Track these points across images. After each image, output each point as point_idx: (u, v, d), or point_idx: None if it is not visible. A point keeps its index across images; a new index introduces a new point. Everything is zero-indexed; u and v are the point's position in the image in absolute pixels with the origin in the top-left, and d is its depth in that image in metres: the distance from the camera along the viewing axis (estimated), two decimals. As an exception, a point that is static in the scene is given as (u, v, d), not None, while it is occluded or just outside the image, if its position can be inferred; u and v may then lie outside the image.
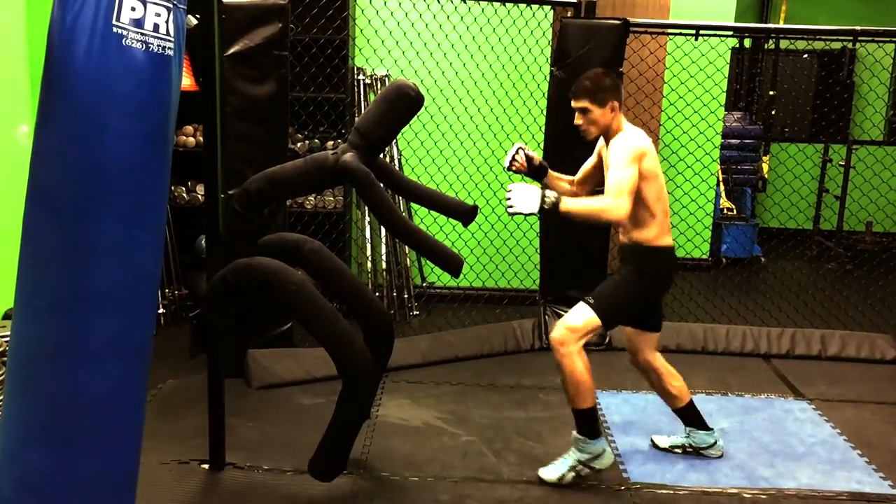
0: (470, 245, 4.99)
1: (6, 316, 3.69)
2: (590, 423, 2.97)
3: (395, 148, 5.05)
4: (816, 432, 3.60)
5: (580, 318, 2.92)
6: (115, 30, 1.75)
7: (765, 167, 7.55)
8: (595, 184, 3.23)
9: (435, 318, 5.00)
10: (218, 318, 2.87)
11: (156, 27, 1.80)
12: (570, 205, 2.80)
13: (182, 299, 4.82)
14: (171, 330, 4.63)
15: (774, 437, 3.53)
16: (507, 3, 4.57)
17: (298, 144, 4.87)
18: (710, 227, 6.51)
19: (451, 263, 2.73)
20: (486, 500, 2.93)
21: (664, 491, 3.03)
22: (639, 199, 2.88)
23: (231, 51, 3.72)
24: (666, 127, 5.97)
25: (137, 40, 1.78)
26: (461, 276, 2.86)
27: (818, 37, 5.73)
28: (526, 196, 2.77)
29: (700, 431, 3.28)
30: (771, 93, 7.89)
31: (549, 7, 4.85)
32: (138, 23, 1.77)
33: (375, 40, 4.88)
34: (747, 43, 8.00)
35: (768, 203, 7.75)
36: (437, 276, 5.34)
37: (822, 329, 4.74)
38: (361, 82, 5.03)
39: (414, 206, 4.93)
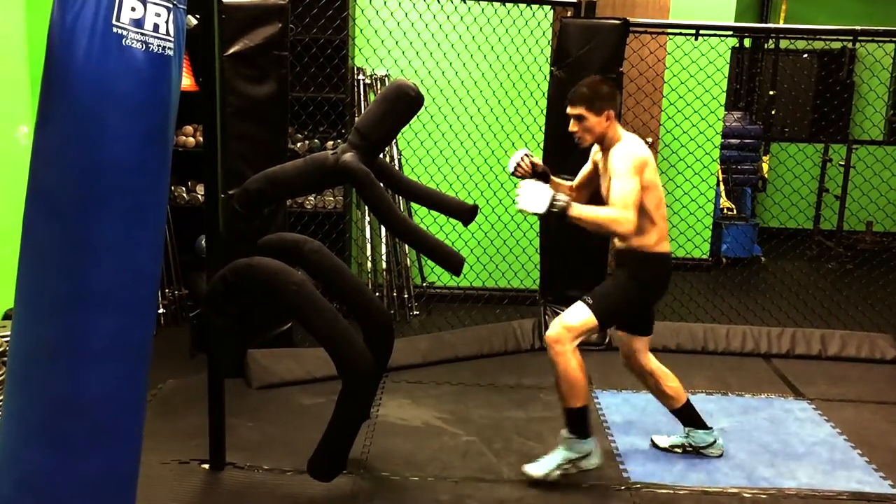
0: (470, 245, 4.99)
1: (6, 316, 3.69)
2: (581, 423, 2.97)
3: (395, 148, 5.05)
4: (816, 432, 3.60)
5: (577, 317, 2.93)
6: (115, 30, 1.75)
7: (765, 167, 7.55)
8: (592, 189, 3.24)
9: (435, 317, 5.00)
10: (218, 318, 2.87)
11: (156, 27, 1.80)
12: (579, 211, 2.81)
13: (182, 299, 4.82)
14: (172, 330, 4.63)
15: (774, 437, 3.53)
16: (507, 3, 4.57)
17: (298, 144, 4.87)
18: (711, 227, 6.52)
19: (452, 262, 2.73)
20: (487, 499, 2.93)
21: (664, 490, 3.03)
22: (640, 208, 2.88)
23: (231, 51, 3.72)
24: (666, 127, 5.97)
25: (137, 40, 1.78)
26: (461, 275, 2.86)
27: (818, 37, 5.74)
28: (536, 195, 2.79)
29: (699, 431, 3.28)
30: (771, 93, 7.89)
31: (549, 7, 4.86)
32: (138, 23, 1.77)
33: (375, 40, 4.88)
34: (747, 43, 8.00)
35: (768, 203, 7.75)
36: (438, 276, 5.34)
37: (823, 329, 4.74)
38: (361, 82, 5.03)
39: (414, 205, 4.93)
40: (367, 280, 5.01)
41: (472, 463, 3.19)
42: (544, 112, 4.61)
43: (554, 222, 4.17)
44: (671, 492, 3.02)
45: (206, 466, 3.06)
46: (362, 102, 5.00)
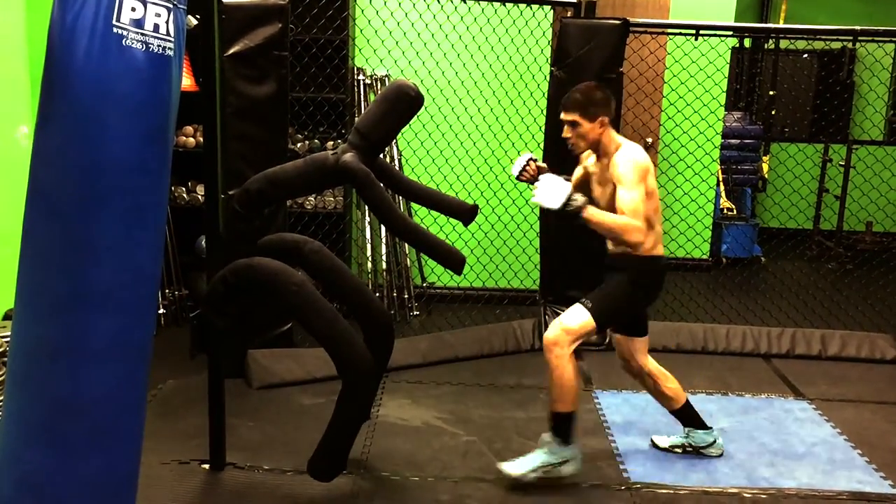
0: (470, 245, 4.99)
1: (7, 316, 3.69)
2: (566, 428, 2.96)
3: (395, 148, 5.05)
4: (817, 432, 3.60)
5: (576, 320, 2.93)
6: (115, 30, 1.75)
7: (765, 167, 7.55)
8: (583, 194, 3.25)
9: (435, 318, 5.00)
10: (218, 318, 2.87)
11: (156, 27, 1.80)
12: (593, 214, 2.80)
13: (182, 300, 4.82)
14: (172, 330, 4.63)
15: (775, 437, 3.53)
16: (507, 3, 4.57)
17: (298, 145, 4.87)
18: (711, 227, 6.51)
19: (453, 260, 2.73)
20: (487, 499, 2.93)
21: (664, 490, 3.03)
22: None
23: (231, 51, 3.72)
24: (666, 127, 5.97)
25: (137, 40, 1.78)
26: (461, 275, 2.86)
27: (818, 37, 5.74)
28: (555, 190, 2.76)
29: (699, 431, 3.29)
30: (771, 93, 7.89)
31: (549, 7, 4.85)
32: (138, 23, 1.77)
33: (375, 40, 4.88)
34: (747, 43, 8.00)
35: (768, 203, 7.75)
36: (438, 277, 5.35)
37: (823, 329, 4.74)
38: (361, 82, 5.03)
39: (414, 205, 4.93)
40: (368, 280, 5.01)
41: (472, 463, 3.19)
42: (544, 112, 4.60)
43: (554, 221, 4.18)
44: (671, 492, 3.02)
45: (207, 467, 3.06)
46: (362, 103, 5.01)
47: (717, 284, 6.00)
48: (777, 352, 4.59)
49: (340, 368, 2.66)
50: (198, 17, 2.97)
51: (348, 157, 2.64)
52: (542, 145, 4.58)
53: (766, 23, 7.98)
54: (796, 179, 5.94)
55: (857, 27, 4.53)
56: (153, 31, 1.80)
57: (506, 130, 5.01)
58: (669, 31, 5.09)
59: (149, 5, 1.78)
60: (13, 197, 2.70)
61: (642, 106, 5.51)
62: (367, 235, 5.11)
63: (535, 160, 3.12)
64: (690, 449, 3.30)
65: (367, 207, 4.90)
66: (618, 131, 4.45)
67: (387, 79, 5.05)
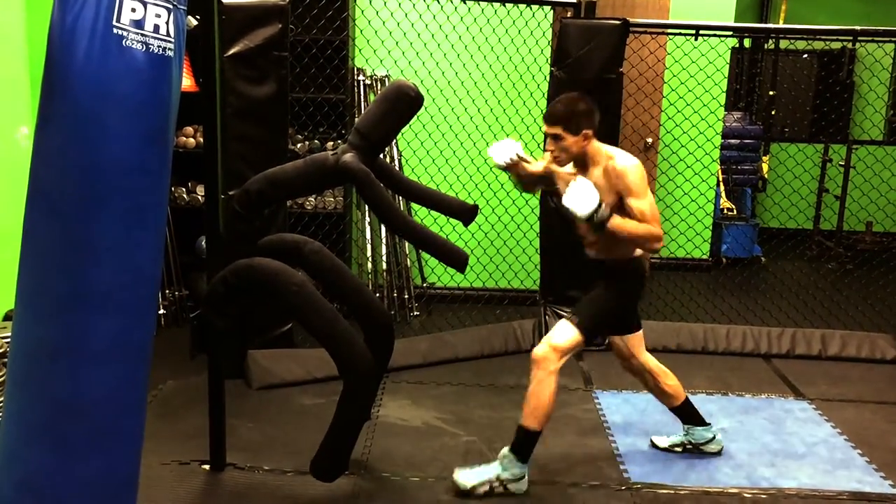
0: (470, 245, 4.99)
1: (7, 317, 3.69)
2: (527, 446, 2.93)
3: (395, 148, 5.06)
4: (817, 432, 3.60)
5: (564, 337, 2.91)
6: (115, 31, 1.75)
7: (765, 167, 7.55)
8: (541, 185, 3.28)
9: (435, 318, 5.00)
10: (218, 318, 2.87)
11: (156, 28, 1.80)
12: (619, 223, 2.77)
13: (182, 300, 4.82)
14: (172, 331, 4.63)
15: (775, 437, 3.53)
16: (507, 3, 4.57)
17: (298, 145, 4.87)
18: (711, 227, 6.51)
19: (456, 259, 2.73)
20: (487, 499, 2.93)
21: (665, 491, 3.03)
22: (629, 217, 2.87)
23: (231, 51, 3.72)
24: (666, 127, 5.97)
25: (138, 41, 1.78)
26: (464, 274, 2.86)
27: (818, 37, 5.74)
28: (586, 198, 2.71)
29: (698, 428, 3.28)
30: (771, 93, 7.89)
31: (549, 7, 4.85)
32: (138, 24, 1.77)
33: (375, 41, 4.88)
34: (747, 43, 8.00)
35: (768, 203, 7.75)
36: (438, 277, 5.35)
37: (823, 329, 4.74)
38: (361, 83, 5.04)
39: (414, 206, 4.93)
40: (368, 281, 5.01)
41: (472, 463, 3.18)
42: (544, 112, 4.60)
43: (559, 221, 4.16)
44: (672, 492, 3.02)
45: (207, 467, 3.06)
46: (362, 103, 5.01)
47: (717, 284, 6.00)
48: (777, 352, 4.59)
49: (341, 368, 2.66)
50: (198, 17, 2.98)
51: (348, 157, 2.64)
52: (542, 145, 4.58)
53: (766, 23, 7.98)
54: (796, 179, 5.94)
55: (857, 27, 4.53)
56: (153, 32, 1.80)
57: (506, 131, 5.00)
58: (669, 31, 5.09)
59: (149, 6, 1.78)
60: (13, 197, 2.70)
61: (642, 106, 5.51)
62: (368, 236, 5.11)
63: (521, 154, 3.05)
64: (690, 446, 3.30)
65: (367, 208, 4.91)
66: (618, 131, 4.51)
67: (387, 79, 5.05)
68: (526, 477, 2.97)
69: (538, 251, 4.75)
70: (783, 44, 7.89)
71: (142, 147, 1.85)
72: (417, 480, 3.05)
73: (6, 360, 2.13)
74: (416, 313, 5.13)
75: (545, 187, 3.33)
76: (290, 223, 4.27)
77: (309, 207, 4.96)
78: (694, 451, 3.30)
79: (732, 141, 7.06)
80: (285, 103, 3.97)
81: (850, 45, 6.92)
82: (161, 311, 4.64)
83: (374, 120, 2.70)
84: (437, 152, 4.98)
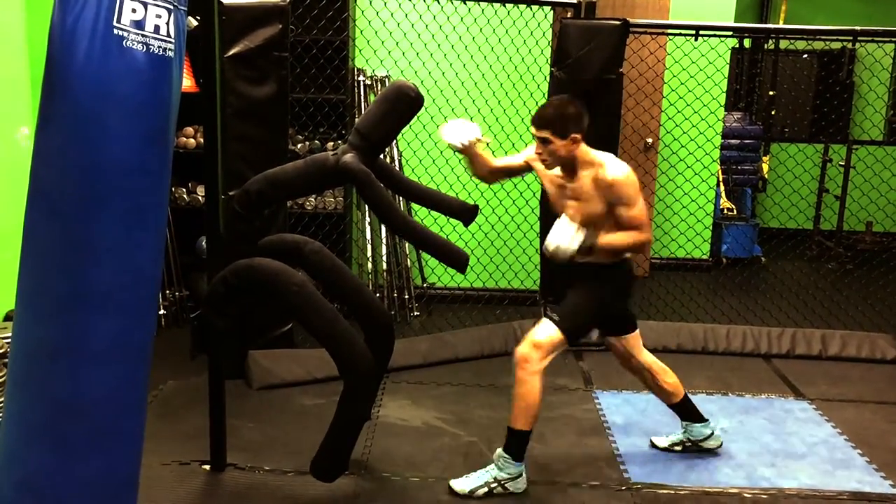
0: (470, 245, 4.99)
1: (7, 317, 3.69)
2: (519, 445, 2.94)
3: (395, 148, 5.06)
4: (817, 432, 3.60)
5: (545, 335, 2.91)
6: (115, 31, 1.75)
7: (765, 167, 7.55)
8: (505, 177, 3.29)
9: (435, 318, 5.01)
10: (218, 319, 2.87)
11: (156, 28, 1.80)
12: (605, 242, 2.85)
13: (183, 300, 4.82)
14: (172, 331, 4.63)
15: (775, 437, 3.53)
16: (507, 4, 4.58)
17: (299, 146, 4.87)
18: (711, 228, 6.51)
19: (456, 259, 2.73)
20: (487, 500, 2.93)
21: (665, 491, 3.03)
22: (616, 222, 2.88)
23: (231, 52, 3.72)
24: (666, 127, 5.97)
25: (138, 42, 1.78)
26: (464, 274, 2.86)
27: (818, 37, 5.74)
28: (568, 234, 2.82)
29: (696, 424, 3.29)
30: (771, 93, 7.89)
31: (549, 7, 4.85)
32: (139, 24, 1.78)
33: (375, 41, 4.88)
34: (747, 43, 8.00)
35: (768, 203, 7.75)
36: (438, 277, 5.35)
37: (823, 329, 4.74)
38: (362, 83, 5.04)
39: (414, 206, 4.93)
40: (368, 281, 5.01)
41: (473, 463, 3.19)
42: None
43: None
44: (672, 492, 3.02)
45: (207, 467, 3.06)
46: (362, 103, 5.01)
47: (717, 285, 6.00)
48: (777, 352, 4.59)
49: (341, 369, 2.66)
50: (198, 18, 2.98)
51: (348, 157, 2.64)
52: (542, 146, 4.58)
53: (765, 23, 7.98)
54: (796, 179, 5.94)
55: (857, 27, 4.53)
56: (154, 33, 1.80)
57: (506, 131, 5.00)
58: (669, 31, 5.09)
59: (149, 7, 1.78)
60: (13, 197, 2.70)
61: (642, 106, 5.51)
62: (368, 236, 5.12)
63: (479, 138, 2.99)
64: (689, 443, 3.30)
65: (367, 208, 4.91)
66: (618, 132, 4.50)
67: (387, 79, 5.06)
68: (524, 475, 2.97)
69: (538, 251, 4.75)
70: (783, 44, 7.89)
71: (142, 147, 1.85)
72: (418, 481, 3.05)
73: (6, 360, 2.13)
74: (416, 313, 5.13)
75: (504, 178, 3.31)
76: (290, 223, 4.27)
77: (309, 208, 4.96)
78: (693, 448, 3.30)
79: (732, 141, 7.06)
80: (285, 104, 3.97)
81: (850, 46, 6.92)
82: (161, 312, 4.64)
83: (375, 120, 2.70)
84: (437, 152, 4.98)
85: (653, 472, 3.17)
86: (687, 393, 3.28)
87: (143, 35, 1.78)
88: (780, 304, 5.10)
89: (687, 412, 3.29)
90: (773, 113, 7.92)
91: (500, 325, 4.69)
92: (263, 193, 2.78)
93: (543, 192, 4.05)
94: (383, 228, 5.05)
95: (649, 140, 6.05)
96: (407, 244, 5.18)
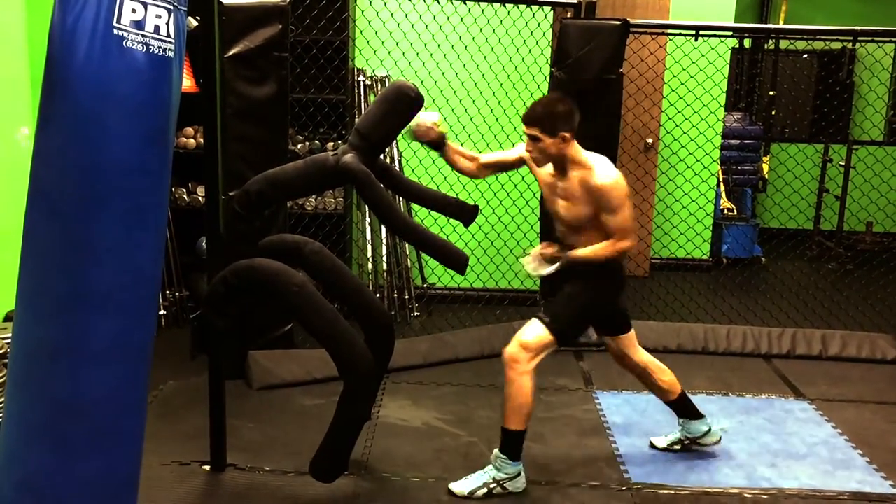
0: (470, 245, 4.99)
1: (7, 318, 3.69)
2: (515, 445, 2.93)
3: (395, 148, 5.06)
4: (817, 432, 3.60)
5: (533, 335, 2.90)
6: (115, 31, 1.75)
7: (765, 167, 7.55)
8: (496, 172, 3.32)
9: (435, 319, 5.01)
10: (219, 319, 2.87)
11: (156, 29, 1.80)
12: (585, 254, 2.91)
13: (183, 301, 4.82)
14: (172, 331, 4.62)
15: (775, 437, 3.53)
16: (507, 4, 4.58)
17: (299, 146, 4.87)
18: (711, 228, 6.51)
19: (456, 260, 2.72)
20: (487, 500, 2.93)
21: (665, 491, 3.03)
22: (602, 229, 2.89)
23: (231, 52, 3.72)
24: (666, 128, 5.97)
25: (138, 42, 1.78)
26: (463, 275, 2.86)
27: (818, 37, 5.75)
28: (536, 265, 2.96)
29: (693, 421, 3.29)
30: (771, 93, 7.89)
31: (549, 7, 4.85)
32: (139, 24, 1.78)
33: (375, 41, 4.88)
34: (747, 43, 8.00)
35: (768, 203, 7.75)
36: (438, 277, 5.35)
37: (823, 329, 4.74)
38: (362, 83, 5.04)
39: (414, 206, 4.93)
40: (368, 281, 5.01)
41: (473, 464, 3.18)
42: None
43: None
44: (672, 492, 3.02)
45: (207, 468, 3.06)
46: (363, 104, 5.01)
47: (717, 285, 6.00)
48: (777, 352, 4.59)
49: (341, 369, 2.66)
50: (198, 18, 2.98)
51: (348, 157, 2.64)
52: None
53: (765, 23, 7.98)
54: (796, 180, 5.94)
55: (857, 27, 4.53)
56: (154, 33, 1.80)
57: (506, 131, 5.00)
58: (669, 31, 5.09)
59: (149, 7, 1.78)
60: (13, 198, 2.70)
61: (642, 106, 5.52)
62: (368, 236, 5.11)
63: (436, 120, 3.02)
64: (688, 441, 3.30)
65: (367, 208, 4.90)
66: (618, 132, 4.50)
67: (387, 80, 5.05)
68: (522, 475, 2.97)
69: (538, 251, 4.74)
70: (783, 44, 7.89)
71: (142, 148, 1.85)
72: (418, 481, 3.05)
73: (6, 360, 2.13)
74: (416, 314, 5.13)
75: (496, 172, 3.33)
76: (290, 224, 4.27)
77: (309, 208, 4.96)
78: (692, 446, 3.30)
79: (732, 141, 7.06)
80: (285, 104, 3.97)
81: (849, 46, 6.92)
82: (161, 312, 4.64)
83: (375, 120, 2.71)
84: (437, 152, 4.97)
85: (653, 473, 3.17)
86: (684, 390, 3.27)
87: (143, 35, 1.78)
88: (781, 305, 5.10)
89: (684, 409, 3.29)
90: (773, 113, 7.92)
91: (500, 326, 4.69)
92: (263, 194, 2.78)
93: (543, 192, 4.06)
94: (383, 229, 5.05)
95: (649, 140, 6.05)
96: (407, 244, 5.18)
